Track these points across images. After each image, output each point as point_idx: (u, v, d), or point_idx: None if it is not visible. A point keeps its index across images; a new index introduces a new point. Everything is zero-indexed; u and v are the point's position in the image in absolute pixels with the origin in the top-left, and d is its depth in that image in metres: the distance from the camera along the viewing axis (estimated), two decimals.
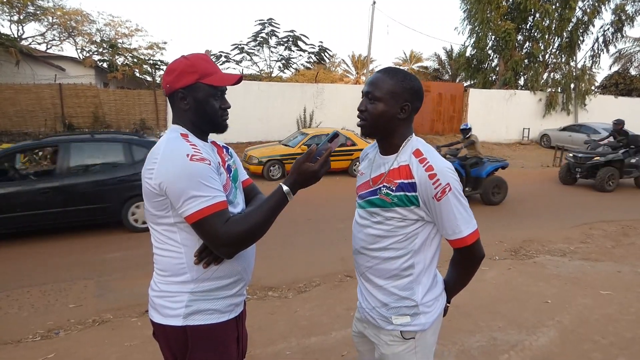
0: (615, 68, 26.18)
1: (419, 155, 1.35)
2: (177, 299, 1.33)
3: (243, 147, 12.01)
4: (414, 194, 1.32)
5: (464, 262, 1.45)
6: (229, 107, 1.44)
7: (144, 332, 3.21)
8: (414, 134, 1.44)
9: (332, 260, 4.97)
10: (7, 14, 15.66)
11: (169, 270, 1.35)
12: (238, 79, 1.39)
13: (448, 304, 1.55)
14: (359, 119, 1.42)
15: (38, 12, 16.18)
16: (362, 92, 1.43)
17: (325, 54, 17.87)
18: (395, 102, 1.36)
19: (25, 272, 4.65)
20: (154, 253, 1.39)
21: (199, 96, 1.35)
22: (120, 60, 16.05)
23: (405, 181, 1.34)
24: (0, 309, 3.77)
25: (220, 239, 1.24)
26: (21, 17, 16.15)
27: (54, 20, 16.78)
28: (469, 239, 1.34)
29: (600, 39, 18.61)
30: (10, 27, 16.53)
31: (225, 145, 1.57)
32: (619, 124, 10.00)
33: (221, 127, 1.43)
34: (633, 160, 9.72)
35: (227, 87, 1.41)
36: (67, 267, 4.81)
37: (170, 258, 1.34)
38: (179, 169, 1.23)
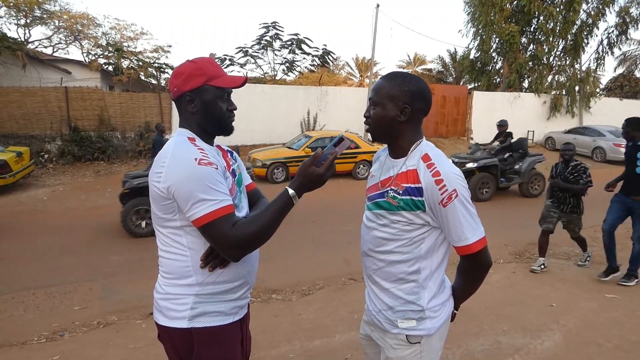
0: (620, 70, 26.12)
1: (427, 160, 1.34)
2: (182, 302, 1.34)
3: (247, 150, 12.04)
4: (420, 198, 1.32)
5: (470, 269, 1.44)
6: (235, 109, 1.46)
7: (149, 334, 3.23)
8: (424, 138, 1.44)
9: (336, 263, 4.97)
10: (14, 18, 15.79)
11: (174, 273, 1.36)
12: (243, 81, 1.41)
13: (455, 311, 1.54)
14: (365, 125, 1.45)
15: (44, 16, 16.27)
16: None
17: (329, 56, 17.91)
18: (394, 105, 1.37)
19: (31, 274, 4.68)
20: (160, 256, 1.40)
21: (206, 98, 1.37)
22: (125, 63, 16.09)
23: (412, 185, 1.33)
24: (5, 310, 3.79)
25: (228, 241, 1.25)
26: (28, 21, 16.26)
27: (60, 24, 16.87)
28: (475, 246, 1.32)
29: (605, 42, 18.54)
30: (17, 30, 16.72)
31: (229, 149, 1.58)
32: (502, 125, 9.02)
33: (228, 129, 1.45)
34: (516, 166, 8.84)
35: (232, 89, 1.43)
36: (72, 269, 4.84)
37: (175, 261, 1.35)
38: (187, 173, 1.24)
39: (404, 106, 1.37)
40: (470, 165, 8.59)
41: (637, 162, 4.16)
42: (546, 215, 4.84)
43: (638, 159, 4.15)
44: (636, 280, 4.30)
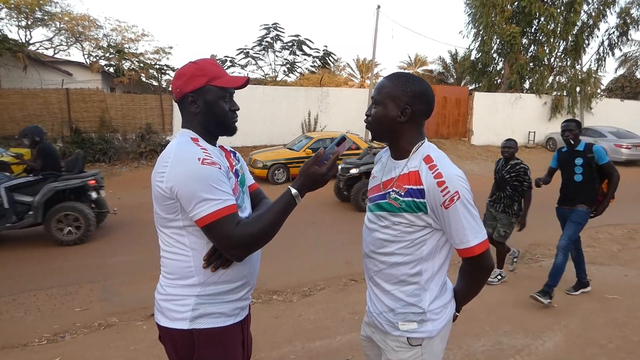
0: (621, 71, 26.12)
1: (429, 161, 1.34)
2: (184, 302, 1.34)
3: (248, 151, 12.05)
4: (422, 200, 1.32)
5: (471, 272, 1.43)
6: (238, 109, 1.47)
7: (149, 335, 3.23)
8: (426, 139, 1.44)
9: (337, 264, 4.97)
10: (15, 20, 15.84)
11: (176, 274, 1.36)
12: (245, 81, 1.42)
13: (457, 313, 1.53)
14: (366, 124, 1.45)
15: (46, 18, 16.31)
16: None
17: (330, 58, 17.95)
18: (395, 106, 1.37)
19: (32, 275, 4.68)
20: (162, 256, 1.40)
21: (208, 98, 1.37)
22: (126, 65, 16.13)
23: (414, 187, 1.33)
24: (6, 312, 3.80)
25: (232, 241, 1.26)
26: (29, 23, 16.30)
27: (62, 26, 16.92)
28: (477, 249, 1.32)
29: (606, 43, 18.53)
30: (18, 32, 16.70)
31: (232, 149, 1.58)
32: None
33: (231, 129, 1.45)
34: None
35: (234, 90, 1.43)
36: (73, 270, 4.84)
37: (178, 261, 1.35)
38: (190, 173, 1.24)
39: (404, 107, 1.36)
40: (353, 170, 7.90)
41: (576, 170, 3.76)
42: (485, 218, 4.46)
43: (577, 166, 3.75)
44: (549, 300, 3.71)
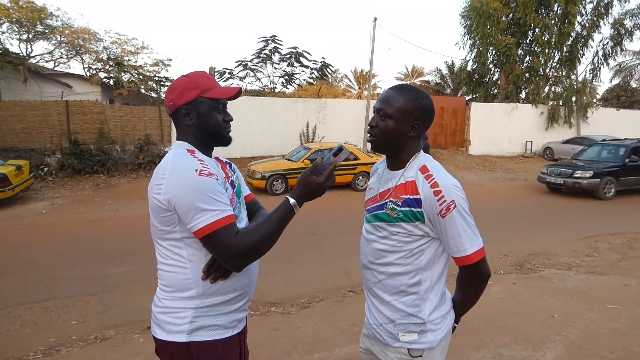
0: (616, 81, 26.38)
1: (425, 171, 1.35)
2: (182, 315, 1.33)
3: (246, 162, 12.06)
4: (419, 209, 1.33)
5: (469, 280, 1.44)
6: (232, 120, 1.47)
7: (147, 348, 3.19)
8: (422, 150, 1.45)
9: (336, 275, 4.94)
10: (16, 33, 15.96)
11: (174, 286, 1.35)
12: (237, 92, 1.43)
13: (456, 324, 1.53)
14: (369, 135, 1.45)
15: (46, 31, 16.43)
16: (374, 107, 1.45)
17: (328, 69, 18.05)
18: (406, 120, 1.37)
19: (28, 288, 4.64)
20: (159, 269, 1.39)
21: (201, 110, 1.38)
22: (126, 77, 16.23)
23: (411, 197, 1.34)
24: (2, 325, 3.76)
25: (231, 251, 1.25)
26: (30, 36, 16.42)
27: (62, 39, 17.02)
28: (474, 257, 1.33)
29: (600, 53, 18.78)
30: (19, 45, 16.86)
31: (227, 161, 1.59)
32: None
33: (225, 140, 1.46)
34: None
35: (229, 101, 1.44)
36: (70, 282, 4.81)
37: (175, 274, 1.34)
38: (188, 184, 1.24)
39: (415, 122, 1.38)
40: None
41: None
42: None
43: None
44: None
